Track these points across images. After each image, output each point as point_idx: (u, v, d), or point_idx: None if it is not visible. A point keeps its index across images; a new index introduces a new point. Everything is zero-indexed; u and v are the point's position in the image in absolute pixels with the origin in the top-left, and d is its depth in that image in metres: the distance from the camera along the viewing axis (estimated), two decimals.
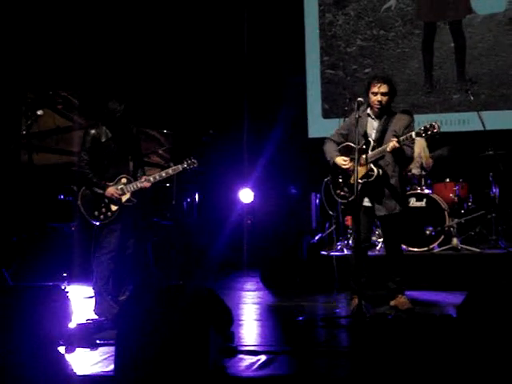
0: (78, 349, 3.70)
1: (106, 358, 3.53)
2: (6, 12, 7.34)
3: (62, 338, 3.67)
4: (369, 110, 4.74)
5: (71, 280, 6.17)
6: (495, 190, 6.48)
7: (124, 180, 4.88)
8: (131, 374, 3.02)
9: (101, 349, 3.73)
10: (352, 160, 4.66)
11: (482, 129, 6.33)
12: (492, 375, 2.72)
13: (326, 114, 8.26)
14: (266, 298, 5.77)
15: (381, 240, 6.14)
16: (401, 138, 4.47)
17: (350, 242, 6.30)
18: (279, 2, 8.26)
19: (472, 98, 6.60)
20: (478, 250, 6.12)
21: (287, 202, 8.05)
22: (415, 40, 8.01)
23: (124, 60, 7.93)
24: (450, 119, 7.81)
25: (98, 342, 3.84)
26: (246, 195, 7.88)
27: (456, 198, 6.41)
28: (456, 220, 6.29)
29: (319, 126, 8.16)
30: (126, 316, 3.20)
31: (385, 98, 4.63)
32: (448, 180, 6.56)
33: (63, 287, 4.57)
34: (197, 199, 7.28)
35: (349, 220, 6.50)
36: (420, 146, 6.47)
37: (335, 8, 8.26)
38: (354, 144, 4.67)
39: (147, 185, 4.89)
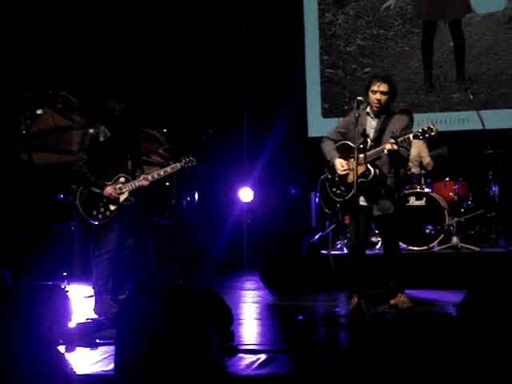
0: (77, 348, 3.70)
1: (105, 358, 3.53)
2: (6, 12, 7.34)
3: (61, 337, 3.67)
4: (368, 109, 4.74)
5: (71, 279, 6.17)
6: (495, 189, 6.48)
7: (122, 179, 4.87)
8: (131, 373, 3.03)
9: (101, 348, 3.73)
10: (350, 164, 4.67)
11: (481, 128, 6.33)
12: (492, 374, 2.72)
13: (326, 114, 8.26)
14: (266, 297, 5.77)
15: (380, 239, 6.15)
16: (398, 140, 4.46)
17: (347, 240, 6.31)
18: (279, 1, 8.25)
19: (471, 96, 6.60)
20: (477, 249, 6.13)
21: (287, 201, 8.06)
22: (415, 39, 8.01)
23: (124, 59, 7.93)
24: (449, 118, 7.81)
25: (97, 341, 3.84)
26: (245, 194, 7.88)
27: (456, 197, 6.41)
28: (456, 219, 6.30)
29: (319, 125, 8.15)
30: (125, 315, 3.20)
31: (384, 97, 4.63)
32: (448, 179, 6.57)
33: (63, 286, 4.60)
34: (196, 198, 7.28)
35: (348, 219, 6.50)
36: (419, 145, 6.47)
37: (335, 7, 8.26)
38: (352, 143, 4.68)
39: (145, 183, 4.88)
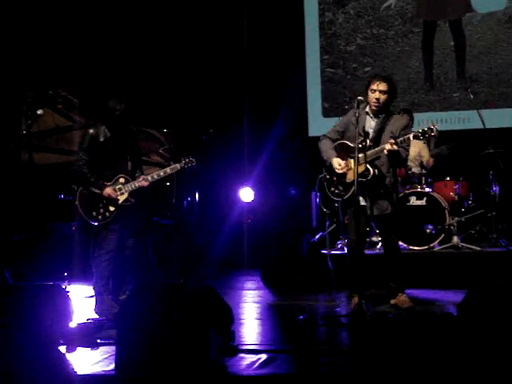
0: (78, 348, 3.70)
1: (106, 358, 3.52)
2: (6, 11, 7.34)
3: (62, 337, 3.67)
4: (367, 108, 4.73)
5: (72, 279, 6.17)
6: (495, 189, 6.48)
7: (122, 180, 4.86)
8: (132, 373, 3.03)
9: (101, 348, 3.73)
10: (348, 163, 4.67)
11: (481, 127, 6.33)
12: (492, 373, 2.72)
13: (326, 113, 8.25)
14: (267, 296, 5.77)
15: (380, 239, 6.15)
16: (398, 140, 4.46)
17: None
18: (279, 0, 8.25)
19: (472, 96, 6.60)
20: (478, 249, 6.13)
21: (287, 201, 8.06)
22: (415, 38, 8.00)
23: (124, 59, 7.93)
24: (449, 117, 7.81)
25: (98, 341, 3.83)
26: (246, 194, 7.88)
27: (456, 197, 6.41)
28: (456, 218, 6.29)
29: (319, 124, 8.15)
30: (126, 315, 3.20)
31: (383, 97, 4.62)
32: (448, 178, 6.56)
33: (64, 286, 4.60)
34: (197, 198, 7.27)
35: (347, 219, 6.50)
36: (419, 144, 6.47)
37: (335, 7, 8.26)
38: (351, 142, 4.68)
39: (145, 184, 4.87)
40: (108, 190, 4.77)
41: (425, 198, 6.23)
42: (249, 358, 3.42)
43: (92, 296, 5.00)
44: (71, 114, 6.79)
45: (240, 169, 8.03)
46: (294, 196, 8.14)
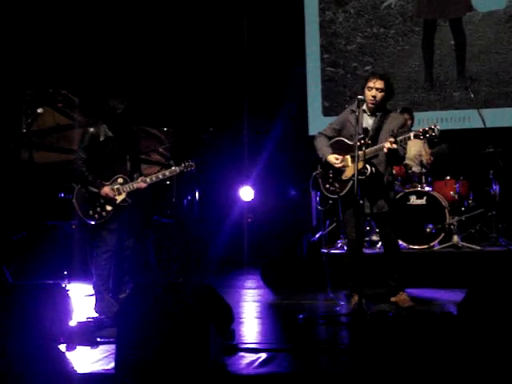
0: (78, 347, 3.71)
1: (106, 356, 3.53)
2: (6, 11, 7.33)
3: (62, 335, 3.67)
4: (364, 106, 4.72)
5: (72, 278, 6.17)
6: (495, 188, 6.48)
7: (120, 180, 4.85)
8: (132, 371, 3.03)
9: (101, 347, 3.73)
10: (345, 160, 4.66)
11: (482, 126, 6.32)
12: (492, 373, 2.72)
13: (327, 112, 8.25)
14: (267, 295, 5.77)
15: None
16: (398, 139, 4.46)
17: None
18: None
19: (472, 95, 6.59)
20: (478, 248, 6.12)
21: (287, 200, 8.05)
22: (415, 37, 8.00)
23: (124, 58, 7.92)
24: (450, 116, 7.81)
25: (98, 340, 3.84)
26: (246, 193, 7.88)
27: (456, 196, 6.40)
28: (456, 218, 6.29)
29: (319, 123, 8.12)
30: (126, 314, 3.20)
31: (379, 95, 4.63)
32: (448, 178, 6.56)
33: (64, 285, 4.59)
34: (197, 197, 7.27)
35: None
36: (419, 144, 6.47)
37: (335, 6, 8.26)
38: (348, 139, 4.68)
39: (143, 185, 4.85)
40: (106, 190, 4.76)
41: (425, 198, 6.22)
42: (249, 357, 3.43)
43: (92, 295, 5.00)
44: (71, 112, 6.78)
45: (240, 168, 8.03)
46: (294, 195, 8.14)
